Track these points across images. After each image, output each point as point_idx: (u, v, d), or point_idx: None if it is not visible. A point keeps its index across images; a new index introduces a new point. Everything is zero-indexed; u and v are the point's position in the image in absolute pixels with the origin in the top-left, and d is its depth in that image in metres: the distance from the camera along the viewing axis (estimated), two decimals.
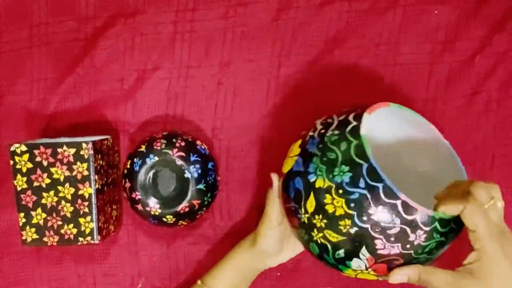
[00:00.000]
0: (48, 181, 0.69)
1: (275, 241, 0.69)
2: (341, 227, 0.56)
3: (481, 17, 0.77)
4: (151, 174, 0.73)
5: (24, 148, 0.69)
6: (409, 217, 0.54)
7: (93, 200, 0.69)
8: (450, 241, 0.58)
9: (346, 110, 0.61)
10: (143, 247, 0.80)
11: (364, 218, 0.54)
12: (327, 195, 0.56)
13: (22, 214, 0.70)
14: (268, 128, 0.78)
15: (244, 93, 0.79)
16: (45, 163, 0.69)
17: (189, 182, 0.73)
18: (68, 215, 0.70)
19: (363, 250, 0.56)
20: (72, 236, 0.70)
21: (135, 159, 0.73)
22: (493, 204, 0.55)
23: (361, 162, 0.54)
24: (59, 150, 0.69)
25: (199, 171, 0.73)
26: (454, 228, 0.56)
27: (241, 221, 0.79)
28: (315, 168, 0.57)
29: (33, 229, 0.70)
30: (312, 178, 0.57)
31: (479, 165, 0.77)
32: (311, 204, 0.57)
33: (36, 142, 0.70)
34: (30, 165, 0.69)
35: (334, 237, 0.57)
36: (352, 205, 0.54)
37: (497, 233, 0.54)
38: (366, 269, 0.58)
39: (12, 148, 0.70)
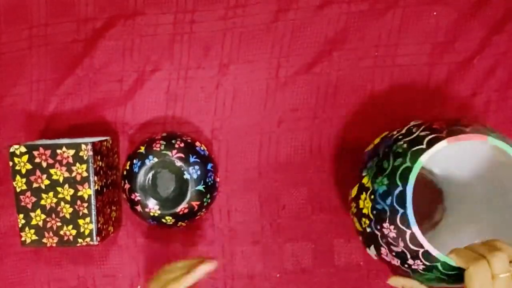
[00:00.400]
0: (47, 182, 0.69)
1: None
2: (362, 223, 0.63)
3: (480, 18, 0.76)
4: (150, 175, 0.73)
5: (23, 149, 0.69)
6: (413, 247, 0.58)
7: (92, 201, 0.69)
8: (453, 281, 0.59)
9: (436, 127, 0.60)
10: (142, 248, 0.80)
11: (378, 227, 0.60)
12: (364, 193, 0.62)
13: (21, 215, 0.70)
14: (267, 129, 0.78)
15: (243, 94, 0.79)
16: (44, 164, 0.69)
17: (188, 183, 0.73)
18: (67, 216, 0.70)
19: (372, 248, 0.63)
20: (71, 237, 0.70)
21: (134, 160, 0.73)
22: (506, 278, 0.54)
23: (398, 183, 0.58)
24: (59, 151, 0.69)
25: (198, 172, 0.73)
26: (459, 274, 0.58)
27: (241, 222, 0.79)
28: (369, 167, 0.62)
29: (32, 230, 0.70)
30: (364, 173, 0.63)
31: None
32: (354, 191, 0.64)
33: (35, 143, 0.70)
34: (29, 166, 0.70)
35: (357, 225, 0.64)
36: (374, 212, 0.60)
37: None
38: (375, 257, 0.65)
39: (11, 149, 0.70)
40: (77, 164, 0.69)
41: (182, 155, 0.73)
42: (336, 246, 0.78)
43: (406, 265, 0.59)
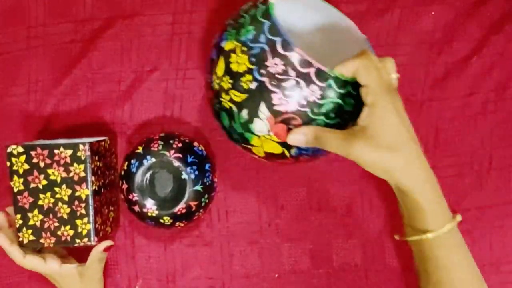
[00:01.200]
0: (45, 182, 0.69)
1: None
2: (243, 84, 0.58)
3: (478, 18, 0.77)
4: (148, 175, 0.73)
5: (21, 149, 0.69)
6: (303, 70, 0.56)
7: (90, 201, 0.69)
8: (350, 108, 0.58)
9: None
10: (140, 248, 0.80)
11: (263, 71, 0.57)
12: (233, 55, 0.59)
13: (19, 216, 0.70)
14: None
15: None
16: (41, 164, 0.69)
17: (186, 183, 0.73)
18: (65, 216, 0.69)
19: (262, 107, 0.58)
20: (69, 238, 0.70)
21: (132, 161, 0.73)
22: (383, 68, 0.56)
23: (264, 20, 0.58)
24: (56, 151, 0.69)
25: (196, 173, 0.73)
26: (352, 94, 0.57)
27: (239, 222, 0.79)
28: (226, 35, 0.61)
29: (30, 231, 0.70)
30: (223, 43, 0.61)
31: (476, 167, 0.77)
32: (220, 67, 0.61)
33: (33, 144, 0.70)
34: (27, 166, 0.69)
35: (237, 96, 0.59)
36: (253, 59, 0.57)
37: (387, 87, 0.55)
38: (268, 132, 0.59)
39: (9, 150, 0.69)
40: (75, 164, 0.69)
41: (180, 155, 0.73)
42: (334, 247, 0.78)
43: (304, 102, 0.57)
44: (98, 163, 0.71)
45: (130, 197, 0.73)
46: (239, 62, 0.59)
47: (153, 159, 0.73)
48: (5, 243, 0.69)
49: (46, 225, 0.70)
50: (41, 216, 0.70)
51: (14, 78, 0.81)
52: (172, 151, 0.73)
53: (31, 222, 0.70)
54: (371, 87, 0.54)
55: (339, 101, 0.57)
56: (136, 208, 0.74)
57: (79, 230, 0.69)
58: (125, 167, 0.74)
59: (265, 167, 0.79)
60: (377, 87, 0.54)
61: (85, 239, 0.70)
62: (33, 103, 0.80)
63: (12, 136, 0.80)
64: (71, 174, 0.69)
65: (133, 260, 0.80)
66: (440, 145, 0.77)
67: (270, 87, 0.57)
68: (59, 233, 0.70)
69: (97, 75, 0.80)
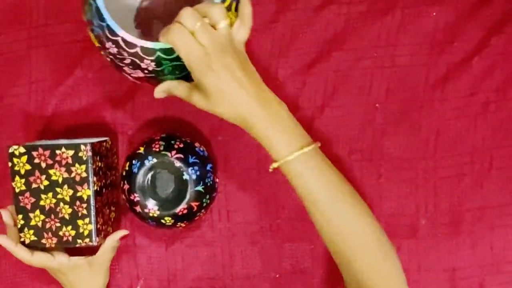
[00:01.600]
0: (46, 183, 0.69)
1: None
2: (105, 56, 0.64)
3: (479, 19, 0.77)
4: (149, 176, 0.73)
5: (22, 150, 0.69)
6: (132, 50, 0.60)
7: (92, 202, 0.69)
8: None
9: None
10: (142, 249, 0.80)
11: (106, 51, 0.62)
12: (89, 32, 0.63)
13: (20, 216, 0.70)
14: None
15: None
16: (43, 165, 0.69)
17: (187, 184, 0.73)
18: (67, 217, 0.69)
19: (125, 73, 0.64)
20: (70, 238, 0.70)
21: (133, 161, 0.73)
22: (201, 26, 0.57)
23: (92, 2, 0.60)
24: (58, 152, 0.69)
25: (198, 173, 0.73)
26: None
27: (240, 222, 0.79)
28: (84, 7, 0.63)
29: (32, 231, 0.70)
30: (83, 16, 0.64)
31: (477, 167, 0.77)
32: (93, 39, 0.64)
33: (34, 144, 0.70)
34: (28, 167, 0.69)
35: (108, 61, 0.64)
36: (98, 40, 0.62)
37: (200, 54, 0.57)
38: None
39: (10, 150, 0.70)
40: (76, 165, 0.69)
41: (181, 156, 0.73)
42: None
43: (146, 71, 0.62)
44: (99, 163, 0.71)
45: (132, 197, 0.73)
46: (94, 39, 0.63)
47: (155, 160, 0.73)
48: (10, 245, 0.69)
49: (47, 226, 0.70)
50: (42, 217, 0.70)
51: (15, 78, 0.80)
52: (174, 152, 0.73)
53: (32, 223, 0.70)
54: (183, 59, 0.58)
55: (176, 62, 0.60)
56: (138, 208, 0.74)
57: (81, 230, 0.70)
58: (127, 168, 0.74)
59: (266, 168, 0.79)
60: (187, 58, 0.57)
61: (87, 240, 0.70)
62: (34, 103, 0.80)
63: (13, 136, 0.80)
64: (72, 175, 0.69)
65: (134, 261, 0.80)
66: (441, 145, 0.78)
67: (117, 62, 0.62)
68: (60, 233, 0.70)
69: (98, 75, 0.80)
